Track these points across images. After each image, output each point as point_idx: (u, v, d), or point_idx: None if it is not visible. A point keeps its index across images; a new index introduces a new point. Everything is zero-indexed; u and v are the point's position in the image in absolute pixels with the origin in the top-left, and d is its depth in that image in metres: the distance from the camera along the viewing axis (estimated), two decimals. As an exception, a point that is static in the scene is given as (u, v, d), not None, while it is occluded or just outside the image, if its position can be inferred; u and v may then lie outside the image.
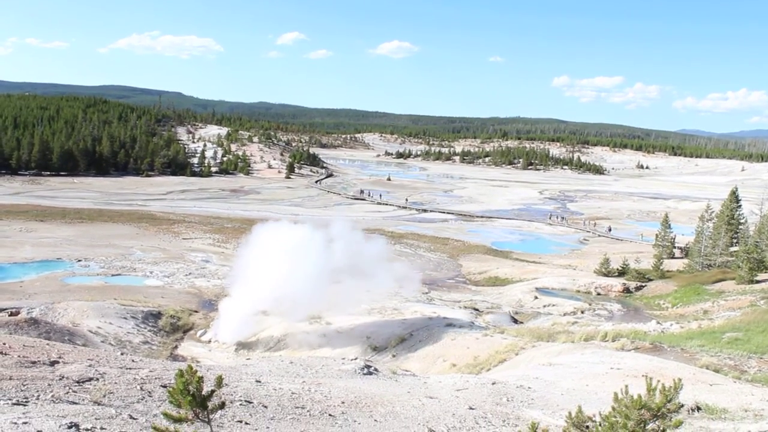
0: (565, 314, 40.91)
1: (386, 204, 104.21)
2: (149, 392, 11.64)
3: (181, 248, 58.22)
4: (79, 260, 50.28)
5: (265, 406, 12.33)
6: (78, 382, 11.95)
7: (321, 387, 15.14)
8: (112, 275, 46.74)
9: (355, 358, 22.06)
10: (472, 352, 28.63)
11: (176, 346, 32.98)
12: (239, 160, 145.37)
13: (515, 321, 39.47)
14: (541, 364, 23.60)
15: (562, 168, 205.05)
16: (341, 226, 38.25)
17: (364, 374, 18.77)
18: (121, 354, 17.64)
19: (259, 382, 14.70)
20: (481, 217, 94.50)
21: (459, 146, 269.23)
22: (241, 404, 11.99)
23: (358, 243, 37.69)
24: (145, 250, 56.30)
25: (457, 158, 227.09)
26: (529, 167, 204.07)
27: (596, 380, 19.23)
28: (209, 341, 34.22)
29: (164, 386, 12.16)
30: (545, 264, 60.44)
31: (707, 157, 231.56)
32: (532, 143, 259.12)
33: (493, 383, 17.96)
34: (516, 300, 45.28)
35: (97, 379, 12.30)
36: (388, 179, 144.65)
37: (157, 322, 35.36)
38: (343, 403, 13.79)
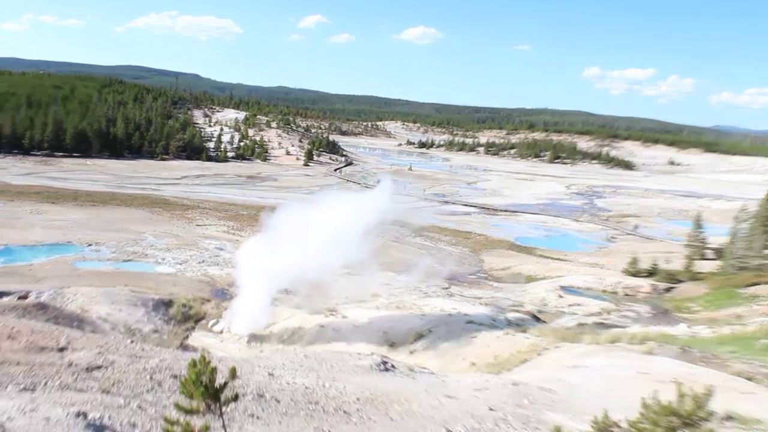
0: (590, 314, 40.64)
1: (407, 195, 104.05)
2: (159, 382, 11.69)
3: (195, 235, 58.51)
4: (90, 244, 50.68)
5: (278, 401, 12.34)
6: (86, 369, 12.02)
7: (336, 382, 15.13)
8: (123, 261, 47.06)
9: (372, 354, 21.99)
10: (492, 351, 28.54)
11: (187, 336, 33.17)
12: (256, 146, 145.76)
13: (538, 320, 39.26)
14: (565, 365, 23.46)
15: (590, 162, 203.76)
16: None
17: (381, 370, 18.75)
18: (131, 342, 17.72)
19: (272, 375, 14.72)
20: (505, 211, 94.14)
21: (483, 137, 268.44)
22: (253, 398, 12.01)
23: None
24: (158, 235, 56.63)
25: (481, 149, 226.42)
26: (556, 161, 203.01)
27: (622, 384, 19.06)
28: (221, 332, 34.37)
29: (175, 377, 12.20)
30: (571, 262, 60.13)
31: (743, 154, 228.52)
32: (560, 136, 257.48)
33: (514, 384, 17.87)
34: (540, 298, 45.06)
35: (106, 368, 12.37)
36: (410, 169, 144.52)
37: (168, 310, 35.56)
38: (358, 399, 13.77)
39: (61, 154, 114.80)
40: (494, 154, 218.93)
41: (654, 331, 32.77)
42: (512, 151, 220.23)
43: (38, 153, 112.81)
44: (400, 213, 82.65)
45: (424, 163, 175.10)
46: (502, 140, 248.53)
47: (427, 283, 47.60)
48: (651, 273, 52.87)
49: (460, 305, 39.38)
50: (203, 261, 49.01)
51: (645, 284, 49.48)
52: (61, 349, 13.51)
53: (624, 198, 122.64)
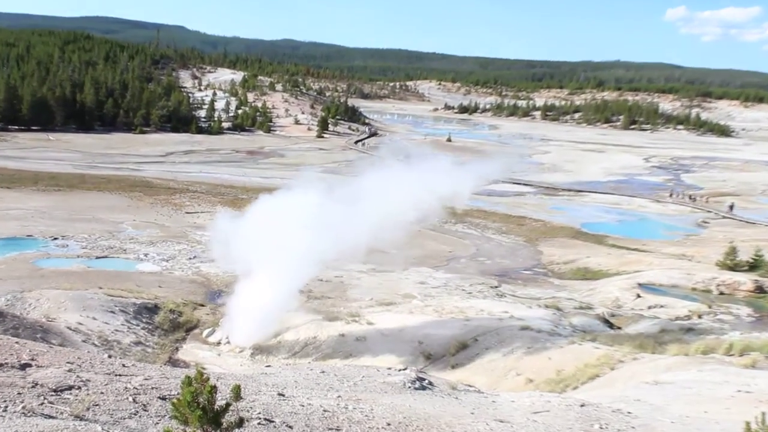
0: (676, 318, 40.41)
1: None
2: (144, 405, 11.80)
3: (184, 225, 58.98)
4: (55, 238, 51.21)
5: (290, 427, 12.43)
6: (55, 390, 12.14)
7: (361, 404, 15.21)
8: (97, 258, 47.52)
9: (404, 368, 22.05)
10: (554, 365, 28.51)
11: (177, 349, 33.42)
12: (258, 114, 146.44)
13: (611, 326, 39.12)
14: (645, 382, 23.39)
15: (675, 128, 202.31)
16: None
17: (416, 389, 18.80)
18: (109, 357, 17.88)
19: (283, 395, 14.81)
20: (568, 190, 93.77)
21: (540, 99, 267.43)
22: (259, 423, 12.10)
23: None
24: (139, 226, 57.15)
25: (537, 114, 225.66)
26: (632, 127, 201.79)
27: (718, 405, 18.98)
28: (218, 343, 34.60)
29: (163, 398, 12.32)
30: (651, 253, 59.77)
31: None
32: (636, 95, 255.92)
33: (582, 405, 17.85)
34: (612, 298, 44.88)
35: (79, 388, 12.49)
36: (449, 140, 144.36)
37: (152, 317, 35.86)
38: (388, 425, 13.83)
39: (16, 127, 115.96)
40: (554, 120, 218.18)
41: (758, 339, 32.51)
42: (576, 116, 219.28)
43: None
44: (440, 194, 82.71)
45: (466, 132, 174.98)
46: (563, 102, 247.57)
47: (472, 280, 47.60)
48: (753, 266, 52.35)
49: (512, 308, 39.34)
50: (195, 257, 49.42)
51: (746, 280, 49.04)
52: (24, 366, 13.67)
53: (718, 172, 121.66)
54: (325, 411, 14.04)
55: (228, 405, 7.16)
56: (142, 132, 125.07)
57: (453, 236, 62.15)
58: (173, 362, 30.87)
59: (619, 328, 38.65)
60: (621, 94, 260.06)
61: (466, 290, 44.81)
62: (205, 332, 35.66)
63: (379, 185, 35.76)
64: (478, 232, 64.49)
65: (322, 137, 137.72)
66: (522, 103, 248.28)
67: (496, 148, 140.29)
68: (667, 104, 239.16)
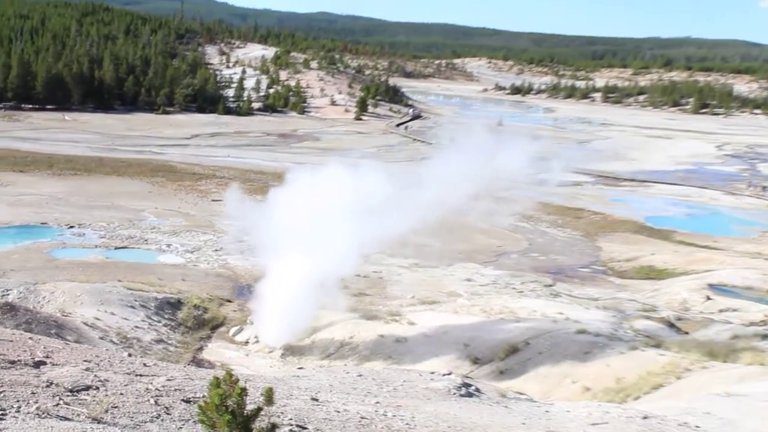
0: (751, 324, 39.99)
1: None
2: (167, 408, 11.88)
3: (210, 213, 59.37)
4: (72, 226, 51.78)
5: (324, 435, 12.48)
6: (71, 390, 12.25)
7: (401, 411, 15.23)
8: (116, 248, 48.03)
9: (449, 373, 22.08)
10: (613, 372, 28.36)
11: (201, 348, 33.69)
12: (291, 94, 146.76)
13: (677, 330, 38.82)
14: (715, 393, 23.18)
15: (751, 113, 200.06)
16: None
17: (461, 396, 18.81)
18: (128, 355, 18.08)
19: (316, 400, 14.87)
20: (631, 180, 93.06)
21: (601, 79, 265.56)
22: (291, 430, 12.16)
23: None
24: (161, 214, 57.63)
25: (597, 96, 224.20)
26: (703, 111, 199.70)
27: (797, 420, 18.79)
28: (246, 342, 34.83)
29: (187, 401, 12.40)
30: (723, 250, 59.16)
31: None
32: (708, 76, 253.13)
33: (645, 417, 17.76)
34: (679, 300, 44.54)
35: (97, 388, 12.60)
36: (500, 124, 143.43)
37: (175, 313, 36.16)
38: (432, 435, 13.85)
39: (30, 106, 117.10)
40: (616, 103, 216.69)
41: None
42: (641, 98, 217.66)
43: (0, 105, 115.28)
44: (487, 184, 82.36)
45: (519, 115, 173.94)
46: (626, 83, 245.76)
47: (524, 278, 47.48)
48: (839, 267, 51.72)
49: (568, 309, 39.20)
50: (221, 248, 49.74)
51: (830, 282, 48.47)
52: (38, 364, 13.83)
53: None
54: (362, 418, 14.07)
55: (259, 409, 7.16)
56: (165, 112, 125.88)
57: (503, 229, 61.92)
58: (197, 362, 31.04)
59: (687, 333, 38.32)
60: (691, 75, 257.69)
61: (517, 289, 44.72)
62: (232, 330, 35.91)
63: (428, 170, 35.73)
64: (531, 226, 64.25)
65: (361, 120, 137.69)
66: (580, 84, 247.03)
67: (549, 133, 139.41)
68: (743, 86, 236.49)
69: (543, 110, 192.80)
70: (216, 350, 33.78)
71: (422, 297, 41.63)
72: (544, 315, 37.18)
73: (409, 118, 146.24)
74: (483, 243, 56.60)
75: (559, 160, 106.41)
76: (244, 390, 6.98)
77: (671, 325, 39.55)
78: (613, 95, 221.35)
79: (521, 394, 23.25)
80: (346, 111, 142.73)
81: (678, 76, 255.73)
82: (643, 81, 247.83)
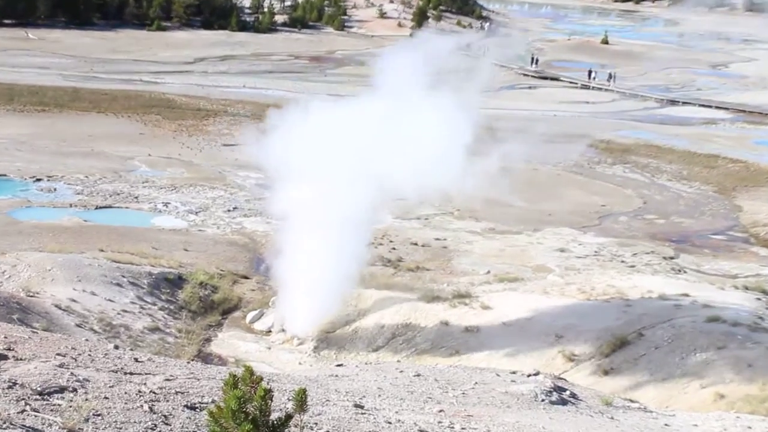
0: None
1: (599, 88, 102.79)
2: (165, 416, 11.92)
3: (220, 162, 59.57)
4: (39, 179, 52.03)
5: (372, 452, 12.51)
6: (41, 393, 12.34)
7: (473, 423, 15.23)
8: (97, 208, 48.18)
9: (536, 373, 21.98)
10: (757, 375, 28.11)
11: (209, 339, 33.61)
12: (327, 3, 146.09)
13: None
14: None
15: None
16: None
17: (552, 403, 18.77)
18: (115, 348, 18.17)
19: (361, 407, 14.88)
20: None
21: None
22: (328, 446, 12.19)
23: None
24: (156, 164, 57.89)
25: (738, 3, 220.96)
26: None
27: None
28: (268, 331, 34.79)
29: (192, 407, 12.45)
30: None
31: None
32: None
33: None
34: None
35: (74, 390, 12.68)
36: (604, 42, 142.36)
37: (175, 293, 36.15)
38: (514, 454, 13.84)
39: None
40: (761, 12, 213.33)
41: None
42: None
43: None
44: (584, 122, 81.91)
45: (631, 30, 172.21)
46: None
47: (636, 248, 47.04)
48: None
49: (695, 289, 38.77)
50: (235, 207, 49.88)
51: None
52: (-3, 358, 13.95)
53: None
54: (420, 431, 14.08)
55: (289, 417, 7.09)
56: (161, 28, 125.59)
57: (608, 183, 61.50)
58: (204, 357, 31.00)
59: None
60: None
61: (626, 262, 44.37)
62: (250, 316, 35.87)
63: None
64: (646, 178, 63.63)
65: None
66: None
67: (671, 53, 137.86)
68: None
69: (663, 23, 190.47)
70: (228, 342, 33.70)
71: (500, 272, 41.30)
72: (663, 297, 36.66)
73: (482, 34, 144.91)
74: (581, 201, 56.24)
75: (685, 89, 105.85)
76: (269, 392, 6.88)
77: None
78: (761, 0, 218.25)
79: (632, 401, 23.13)
80: (400, 26, 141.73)
81: None
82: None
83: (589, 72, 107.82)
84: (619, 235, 49.60)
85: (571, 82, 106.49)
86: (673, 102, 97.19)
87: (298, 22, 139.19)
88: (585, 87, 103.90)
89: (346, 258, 34.08)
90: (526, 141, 44.43)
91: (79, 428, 10.76)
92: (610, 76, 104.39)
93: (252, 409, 6.84)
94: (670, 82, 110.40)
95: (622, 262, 44.32)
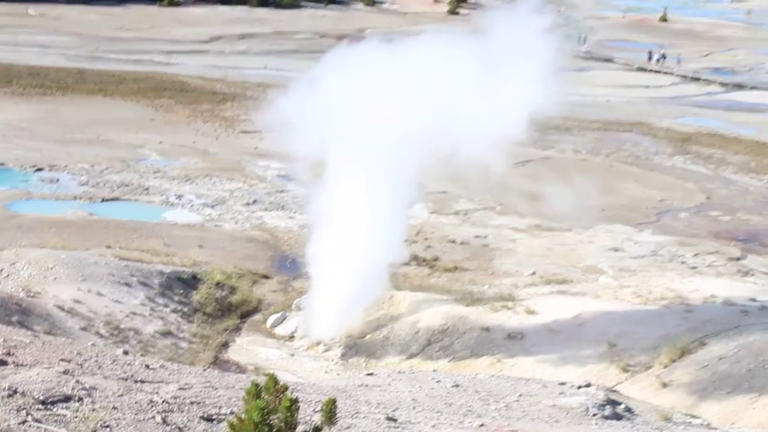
0: None
1: (657, 72, 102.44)
2: (179, 428, 11.98)
3: (239, 151, 59.60)
4: (40, 169, 52.22)
5: (406, 470, 12.53)
6: (44, 402, 12.40)
7: (517, 439, 15.24)
8: (103, 200, 48.33)
9: (587, 385, 21.96)
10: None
11: (226, 344, 33.67)
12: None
13: None
14: None
15: None
16: None
17: (605, 417, 18.76)
18: (124, 353, 18.24)
19: (394, 420, 14.92)
20: None
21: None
22: (359, 462, 12.22)
23: None
24: (168, 152, 57.99)
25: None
26: None
27: None
28: (291, 336, 34.82)
29: (208, 418, 12.50)
30: None
31: None
32: None
33: None
34: None
35: (80, 400, 12.74)
36: (663, 19, 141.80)
37: (189, 295, 36.18)
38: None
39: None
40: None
41: None
42: None
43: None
44: (641, 108, 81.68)
45: (692, 5, 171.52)
46: None
47: (698, 247, 46.86)
48: None
49: (764, 293, 38.63)
50: (255, 201, 49.92)
51: None
52: (-4, 364, 14.00)
53: None
54: (460, 447, 14.10)
55: (317, 430, 7.10)
56: (174, 4, 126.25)
57: (667, 175, 61.25)
58: (221, 364, 31.03)
59: None
60: None
61: (687, 263, 44.21)
62: (271, 319, 35.92)
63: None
64: (710, 170, 63.33)
65: (457, 14, 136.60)
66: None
67: (738, 32, 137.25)
68: None
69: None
70: (247, 347, 33.70)
71: (547, 274, 41.27)
72: (729, 302, 36.50)
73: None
74: (637, 195, 56.05)
75: (753, 72, 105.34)
76: (295, 402, 6.86)
77: None
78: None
79: (693, 416, 23.11)
80: (436, 1, 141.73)
81: None
82: None
83: (650, 53, 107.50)
84: (679, 234, 49.38)
85: (623, 64, 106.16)
86: (739, 86, 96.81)
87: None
88: (641, 69, 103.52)
89: (378, 256, 34.00)
90: (575, 129, 44.27)
91: (86, 441, 10.77)
92: (678, 60, 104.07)
93: (276, 421, 6.82)
94: (737, 65, 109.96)
95: (683, 263, 44.15)
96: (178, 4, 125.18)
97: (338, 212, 34.16)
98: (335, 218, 34.34)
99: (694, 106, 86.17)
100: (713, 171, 63.38)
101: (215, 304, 35.89)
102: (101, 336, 30.83)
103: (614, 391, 23.09)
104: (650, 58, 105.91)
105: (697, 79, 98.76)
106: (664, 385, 30.08)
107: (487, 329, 33.84)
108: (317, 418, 8.29)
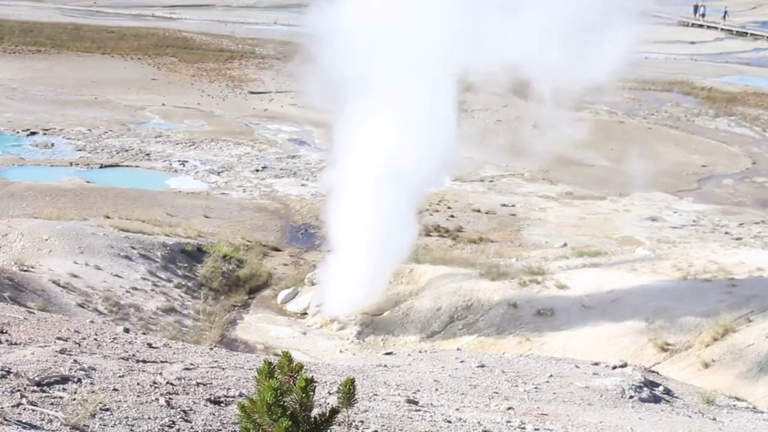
0: None
1: (700, 26, 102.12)
2: (185, 412, 11.95)
3: (247, 113, 59.56)
4: (33, 133, 52.29)
5: (428, 456, 12.53)
6: (39, 384, 12.40)
7: (548, 423, 15.23)
8: (102, 167, 48.38)
9: (623, 365, 21.86)
10: None
11: (234, 321, 33.59)
12: None
13: None
14: None
15: None
16: None
17: (642, 400, 18.70)
18: (125, 331, 18.26)
19: (415, 403, 14.91)
20: None
21: None
22: (378, 448, 12.22)
23: None
24: (171, 115, 58.04)
25: None
26: None
27: None
28: (303, 313, 34.80)
29: (216, 401, 12.51)
30: None
31: None
32: None
33: None
34: None
35: (78, 381, 12.74)
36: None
37: (194, 269, 36.29)
38: (596, 461, 13.85)
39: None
40: None
41: None
42: None
43: None
44: (682, 66, 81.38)
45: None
46: None
47: (743, 217, 46.71)
48: None
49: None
50: (264, 167, 49.94)
51: None
52: (-13, 343, 14.04)
53: None
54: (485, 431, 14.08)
55: (334, 412, 7.02)
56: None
57: (710, 139, 61.10)
58: (228, 343, 30.92)
59: None
60: None
61: (731, 233, 44.07)
62: (282, 295, 35.87)
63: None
64: (757, 133, 63.13)
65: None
66: None
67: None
68: None
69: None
70: (256, 325, 33.67)
71: (579, 245, 41.19)
72: (778, 274, 36.52)
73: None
74: (677, 160, 55.91)
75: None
76: (311, 382, 6.79)
77: None
78: None
79: (738, 399, 22.98)
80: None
81: None
82: None
83: (695, 7, 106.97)
84: (722, 202, 49.19)
85: (664, 18, 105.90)
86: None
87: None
88: (683, 24, 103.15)
89: (397, 225, 33.92)
90: (609, 89, 44.09)
91: (85, 425, 10.74)
92: (725, 14, 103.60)
93: (291, 402, 6.78)
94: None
95: (726, 233, 44.02)
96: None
97: (356, 176, 33.83)
98: (353, 182, 34.02)
99: (739, 63, 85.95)
100: (760, 134, 63.18)
101: (222, 278, 35.93)
102: (100, 313, 30.77)
103: (652, 371, 22.96)
104: (695, 11, 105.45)
105: (744, 34, 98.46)
106: (706, 366, 30.00)
107: (514, 305, 33.72)
108: (332, 401, 8.27)
